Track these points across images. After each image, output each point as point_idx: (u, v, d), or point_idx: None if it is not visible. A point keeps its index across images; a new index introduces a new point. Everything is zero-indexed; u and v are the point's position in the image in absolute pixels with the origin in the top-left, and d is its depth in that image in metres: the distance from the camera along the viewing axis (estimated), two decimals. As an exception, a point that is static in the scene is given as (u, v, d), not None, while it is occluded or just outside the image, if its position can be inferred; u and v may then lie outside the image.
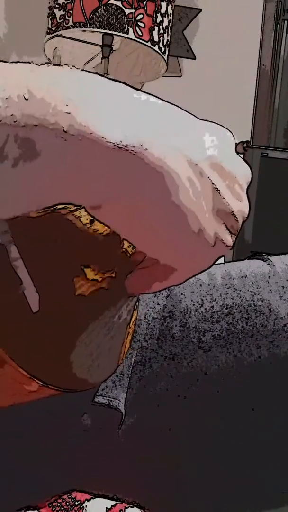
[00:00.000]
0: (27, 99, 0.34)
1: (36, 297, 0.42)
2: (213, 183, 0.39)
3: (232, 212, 0.41)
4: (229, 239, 0.41)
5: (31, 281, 0.42)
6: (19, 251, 0.41)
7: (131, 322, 0.53)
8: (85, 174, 0.36)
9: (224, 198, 0.40)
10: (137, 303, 0.53)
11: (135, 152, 0.36)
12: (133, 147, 0.36)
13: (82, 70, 0.38)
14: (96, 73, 0.38)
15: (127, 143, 0.36)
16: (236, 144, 0.43)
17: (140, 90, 0.39)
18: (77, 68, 0.38)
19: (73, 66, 0.38)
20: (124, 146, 0.36)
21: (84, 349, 0.47)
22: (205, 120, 0.42)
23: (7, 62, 0.37)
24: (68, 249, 0.46)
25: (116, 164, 0.36)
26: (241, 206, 0.42)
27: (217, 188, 0.40)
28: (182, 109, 0.41)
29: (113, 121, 0.36)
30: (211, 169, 0.39)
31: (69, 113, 0.35)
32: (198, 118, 0.42)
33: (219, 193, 0.40)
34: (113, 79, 0.38)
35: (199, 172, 0.39)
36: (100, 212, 0.38)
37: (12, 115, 0.34)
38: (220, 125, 0.43)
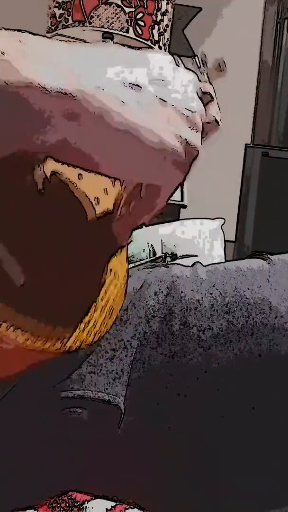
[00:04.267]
0: None
1: (19, 270, 0.42)
2: (157, 96, 0.42)
3: (185, 114, 0.44)
4: (194, 139, 0.44)
5: (9, 256, 0.43)
6: None
7: (122, 276, 0.54)
8: (30, 121, 0.38)
9: (172, 104, 0.43)
10: (125, 254, 0.54)
11: (74, 92, 0.39)
12: (70, 89, 0.39)
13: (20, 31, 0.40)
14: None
15: (64, 86, 0.38)
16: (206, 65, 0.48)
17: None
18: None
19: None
20: (62, 91, 0.38)
21: (71, 300, 0.48)
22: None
23: None
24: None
25: (58, 108, 0.38)
26: (192, 105, 0.44)
27: (162, 98, 0.43)
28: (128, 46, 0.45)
29: (50, 69, 0.38)
30: (152, 85, 0.43)
31: (5, 60, 0.37)
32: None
33: (165, 102, 0.43)
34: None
35: (141, 91, 0.42)
36: (59, 152, 0.40)
37: None
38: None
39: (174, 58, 0.46)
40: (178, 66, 0.46)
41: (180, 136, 0.43)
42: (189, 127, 0.44)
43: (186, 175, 0.44)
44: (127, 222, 0.49)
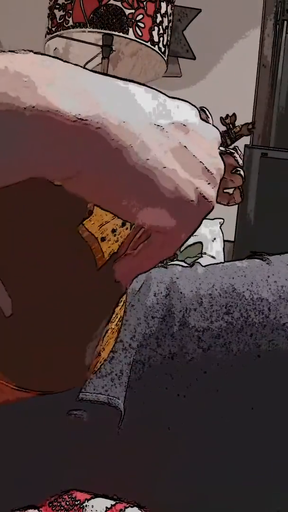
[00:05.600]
0: None
1: (9, 301, 0.42)
2: (180, 142, 0.41)
3: (205, 167, 0.42)
4: (211, 193, 0.42)
5: (2, 285, 0.42)
6: None
7: (117, 320, 0.53)
8: (47, 149, 0.37)
9: (194, 154, 0.41)
10: (124, 299, 0.53)
11: (95, 123, 0.37)
12: (92, 119, 0.37)
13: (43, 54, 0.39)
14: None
15: (87, 115, 0.37)
16: (241, 126, 0.46)
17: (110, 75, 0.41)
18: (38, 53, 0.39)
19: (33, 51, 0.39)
20: (83, 119, 0.37)
21: (64, 350, 0.47)
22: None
23: None
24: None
25: (77, 137, 0.37)
26: (214, 161, 0.43)
27: (185, 146, 0.41)
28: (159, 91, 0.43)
29: (75, 99, 0.37)
30: (177, 130, 0.41)
31: (28, 87, 0.36)
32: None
33: (187, 149, 0.41)
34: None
35: (164, 133, 0.40)
36: (72, 184, 0.39)
37: None
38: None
39: (199, 112, 0.44)
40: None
41: (196, 187, 0.41)
42: (207, 181, 0.42)
43: (196, 227, 0.42)
44: (131, 265, 0.46)
